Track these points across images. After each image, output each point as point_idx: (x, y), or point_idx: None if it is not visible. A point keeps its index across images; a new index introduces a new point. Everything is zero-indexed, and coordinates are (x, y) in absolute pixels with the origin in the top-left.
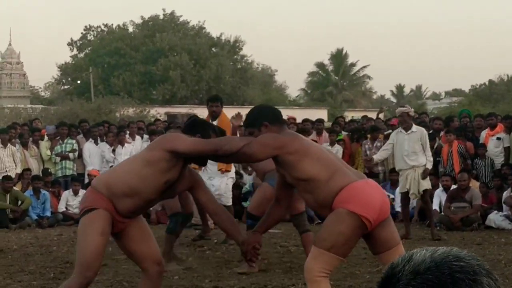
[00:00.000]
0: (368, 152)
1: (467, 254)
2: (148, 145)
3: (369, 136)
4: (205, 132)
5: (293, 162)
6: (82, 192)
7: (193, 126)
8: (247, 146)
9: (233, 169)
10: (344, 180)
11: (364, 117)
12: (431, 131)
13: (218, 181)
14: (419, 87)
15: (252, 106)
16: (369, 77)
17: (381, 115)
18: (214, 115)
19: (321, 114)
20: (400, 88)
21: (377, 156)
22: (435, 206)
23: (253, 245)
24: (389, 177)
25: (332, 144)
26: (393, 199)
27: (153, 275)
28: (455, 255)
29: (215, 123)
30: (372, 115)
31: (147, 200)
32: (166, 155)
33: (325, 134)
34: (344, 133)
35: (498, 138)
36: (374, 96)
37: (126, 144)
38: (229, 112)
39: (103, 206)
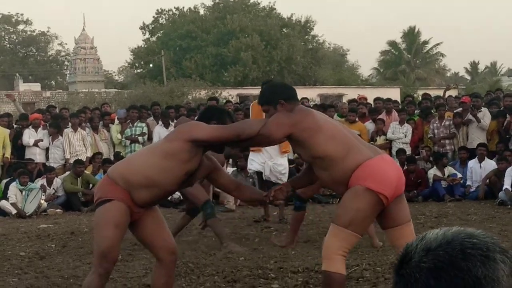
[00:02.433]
0: (436, 131)
1: (482, 233)
2: (166, 136)
3: (437, 114)
4: (221, 119)
5: (306, 139)
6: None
7: (209, 113)
8: (264, 128)
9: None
10: (360, 157)
11: (437, 97)
12: (501, 108)
13: (281, 161)
14: (494, 64)
15: (327, 86)
16: (442, 55)
17: (448, 93)
18: None
19: (394, 93)
20: (474, 65)
21: None
22: (507, 185)
23: (279, 188)
24: (458, 155)
25: (401, 123)
26: (461, 178)
27: (167, 264)
28: (468, 233)
29: None
30: (448, 93)
31: (166, 191)
32: (187, 145)
33: (394, 113)
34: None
35: None
36: (448, 74)
37: None
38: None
39: (119, 197)
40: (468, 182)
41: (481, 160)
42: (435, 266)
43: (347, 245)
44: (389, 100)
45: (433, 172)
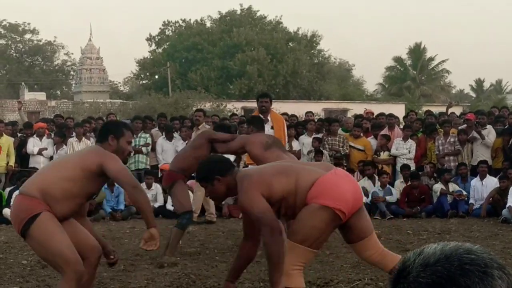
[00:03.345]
0: (440, 148)
1: (480, 248)
2: (82, 151)
3: (441, 131)
4: (117, 132)
5: (267, 195)
6: (155, 185)
7: (105, 128)
8: (267, 220)
9: None
10: (311, 177)
11: (441, 113)
12: (506, 126)
13: None
14: (499, 82)
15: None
16: (448, 71)
17: (450, 110)
18: (263, 110)
19: (399, 109)
20: (479, 82)
21: None
22: (510, 203)
23: None
24: (458, 171)
25: (405, 139)
26: (466, 195)
27: (90, 261)
28: (466, 248)
29: (264, 118)
30: (452, 110)
31: (83, 203)
32: (98, 168)
33: (397, 129)
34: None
35: None
36: (453, 91)
37: None
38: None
39: (43, 208)
40: (471, 201)
41: (482, 178)
42: (433, 281)
43: (303, 260)
44: (391, 115)
45: (439, 186)
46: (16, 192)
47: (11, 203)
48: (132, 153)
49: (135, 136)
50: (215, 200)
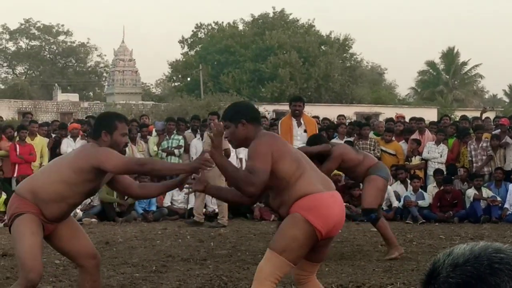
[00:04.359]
0: (473, 153)
1: (509, 247)
2: (76, 152)
3: (474, 136)
4: (109, 126)
5: (275, 163)
6: (185, 188)
7: (98, 122)
8: (258, 175)
9: None
10: (310, 188)
11: (475, 118)
12: None
13: None
14: None
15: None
16: (481, 76)
17: (484, 115)
18: (296, 114)
19: (431, 113)
20: None
21: None
22: None
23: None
24: (494, 175)
25: (437, 143)
26: (500, 201)
27: (90, 269)
28: (495, 247)
29: (297, 121)
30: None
31: (75, 204)
32: (93, 169)
33: (428, 133)
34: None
35: None
36: (486, 96)
37: None
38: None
39: (30, 211)
40: (506, 205)
41: None
42: (463, 281)
43: (279, 273)
44: (420, 119)
45: (472, 191)
46: None
47: None
48: (165, 155)
49: (167, 137)
50: (232, 144)
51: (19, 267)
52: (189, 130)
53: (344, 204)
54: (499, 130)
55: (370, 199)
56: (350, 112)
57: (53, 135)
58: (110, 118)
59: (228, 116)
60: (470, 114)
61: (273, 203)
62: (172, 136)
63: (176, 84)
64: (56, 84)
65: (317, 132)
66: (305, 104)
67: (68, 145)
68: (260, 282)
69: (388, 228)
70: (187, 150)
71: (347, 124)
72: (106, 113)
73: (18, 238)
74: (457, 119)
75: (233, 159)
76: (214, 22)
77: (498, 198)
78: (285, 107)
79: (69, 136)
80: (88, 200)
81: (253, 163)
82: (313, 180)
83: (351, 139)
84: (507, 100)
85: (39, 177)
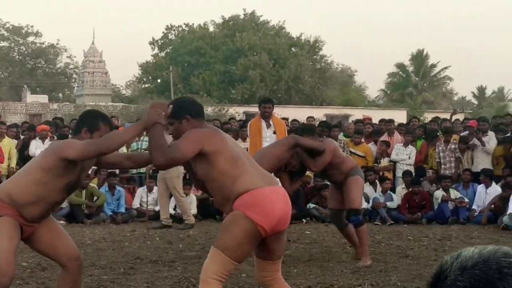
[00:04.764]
0: (441, 154)
1: None
2: (44, 151)
3: (442, 138)
4: (93, 123)
5: (211, 156)
6: (156, 189)
7: (80, 120)
8: (174, 151)
9: None
10: (251, 183)
11: (444, 120)
12: (508, 134)
13: None
14: (501, 89)
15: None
16: (450, 78)
17: (454, 117)
18: (266, 115)
19: (401, 115)
20: (481, 89)
21: None
22: (511, 210)
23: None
24: (461, 176)
25: (406, 144)
26: (468, 202)
27: (72, 270)
28: (504, 252)
29: (266, 123)
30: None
31: (55, 203)
32: (61, 162)
33: (396, 135)
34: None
35: None
36: (455, 98)
37: None
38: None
39: (8, 213)
40: (474, 206)
41: (487, 186)
42: (471, 285)
43: (223, 271)
44: (390, 121)
45: (440, 193)
46: None
47: None
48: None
49: (137, 139)
50: (175, 139)
51: None
52: None
53: (313, 205)
54: (467, 132)
55: (359, 200)
56: (320, 114)
57: (22, 137)
58: (96, 118)
59: (172, 112)
60: (440, 116)
61: (216, 201)
62: (142, 138)
63: (146, 85)
64: (25, 86)
65: (286, 133)
66: (275, 105)
67: (36, 147)
68: (205, 282)
69: (366, 233)
70: None
71: (316, 125)
72: (93, 111)
73: None
74: (426, 121)
75: None
76: (184, 23)
77: (466, 200)
78: (255, 108)
79: (37, 138)
80: None
81: (178, 142)
82: (253, 177)
83: None
84: (475, 102)
85: (15, 180)
